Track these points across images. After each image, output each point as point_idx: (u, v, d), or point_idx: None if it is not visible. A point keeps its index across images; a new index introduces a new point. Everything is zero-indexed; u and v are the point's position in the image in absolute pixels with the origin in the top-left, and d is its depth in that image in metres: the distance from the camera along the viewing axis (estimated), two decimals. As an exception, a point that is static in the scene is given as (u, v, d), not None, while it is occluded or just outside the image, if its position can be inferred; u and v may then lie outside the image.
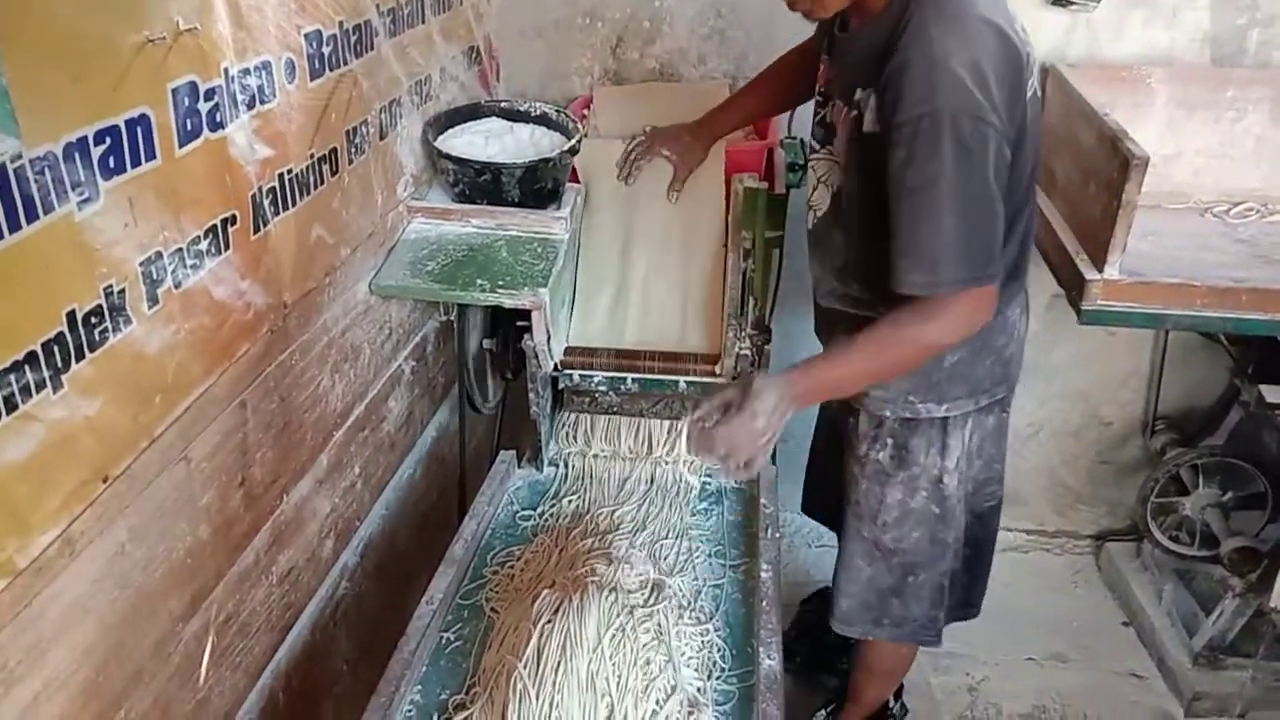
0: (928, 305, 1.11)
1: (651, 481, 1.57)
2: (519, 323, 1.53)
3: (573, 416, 1.69)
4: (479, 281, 1.44)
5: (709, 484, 1.58)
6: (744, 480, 1.21)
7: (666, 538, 1.45)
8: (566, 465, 1.61)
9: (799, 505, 1.75)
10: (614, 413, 1.66)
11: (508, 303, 1.44)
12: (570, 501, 1.54)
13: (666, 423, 1.66)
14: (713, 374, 1.57)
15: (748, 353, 1.55)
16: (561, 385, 1.62)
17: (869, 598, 1.46)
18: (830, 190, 1.29)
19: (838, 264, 1.30)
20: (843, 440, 1.45)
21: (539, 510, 1.53)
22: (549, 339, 1.51)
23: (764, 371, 1.36)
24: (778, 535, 1.45)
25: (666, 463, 1.59)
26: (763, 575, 1.35)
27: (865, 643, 1.54)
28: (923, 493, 1.38)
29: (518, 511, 1.53)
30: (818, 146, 1.32)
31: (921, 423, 1.35)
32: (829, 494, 1.60)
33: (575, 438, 1.65)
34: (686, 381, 1.57)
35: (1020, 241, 1.26)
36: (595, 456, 1.61)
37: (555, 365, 1.58)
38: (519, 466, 1.62)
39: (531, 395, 1.57)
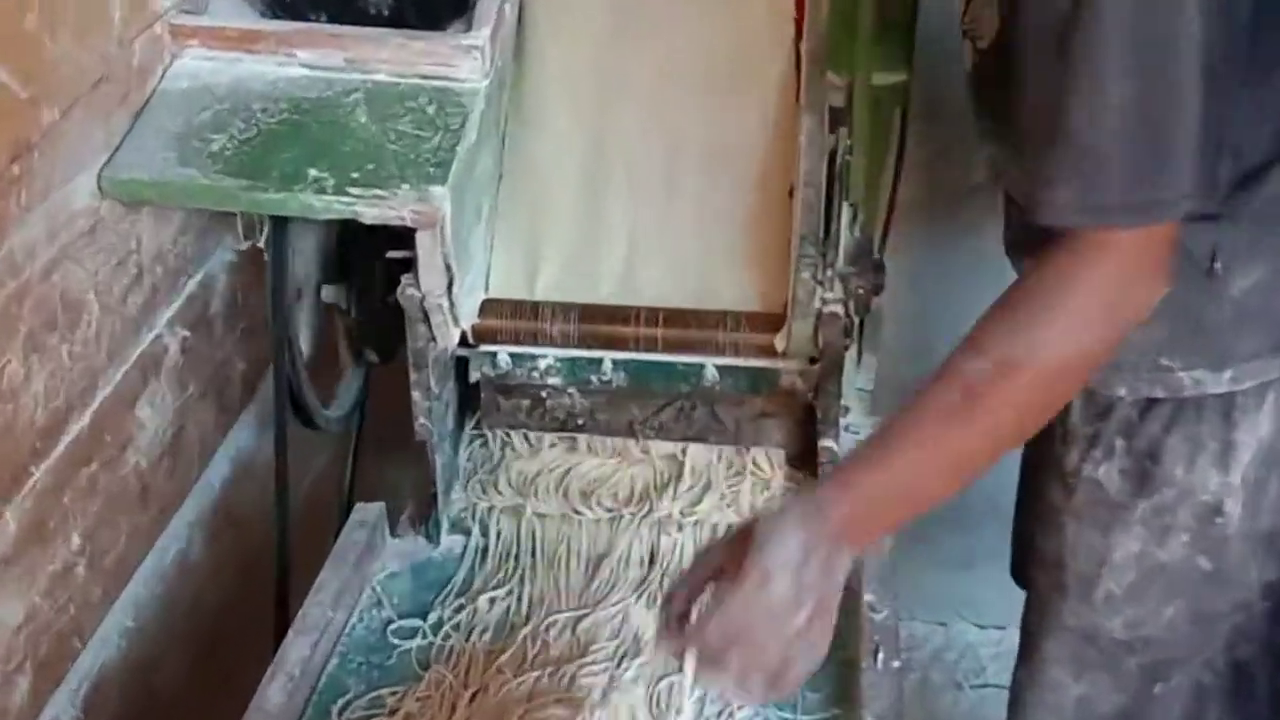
0: (1052, 273, 1.15)
1: (651, 561, 1.58)
2: (391, 254, 1.54)
3: (498, 438, 1.68)
4: (313, 173, 1.44)
5: None
6: (785, 699, 1.26)
7: (681, 670, 1.41)
8: (485, 531, 1.62)
9: (923, 609, 1.84)
10: (578, 429, 1.66)
11: (369, 214, 1.44)
12: (494, 601, 1.55)
13: (681, 450, 1.65)
14: (771, 350, 1.57)
15: (838, 310, 1.53)
16: (476, 375, 1.63)
17: None
18: (994, 5, 1.30)
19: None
20: (1034, 446, 1.46)
21: (433, 619, 1.53)
22: (450, 285, 1.50)
23: (791, 492, 1.37)
24: (897, 664, 1.45)
25: (681, 523, 1.60)
26: (868, 740, 1.39)
27: None
28: (1183, 536, 1.40)
29: (391, 622, 1.54)
30: None
31: (1184, 406, 1.36)
32: None
33: (502, 478, 1.65)
34: (717, 365, 1.57)
35: None
36: (542, 515, 1.62)
37: (464, 336, 1.58)
38: (393, 534, 1.63)
39: (416, 395, 1.57)
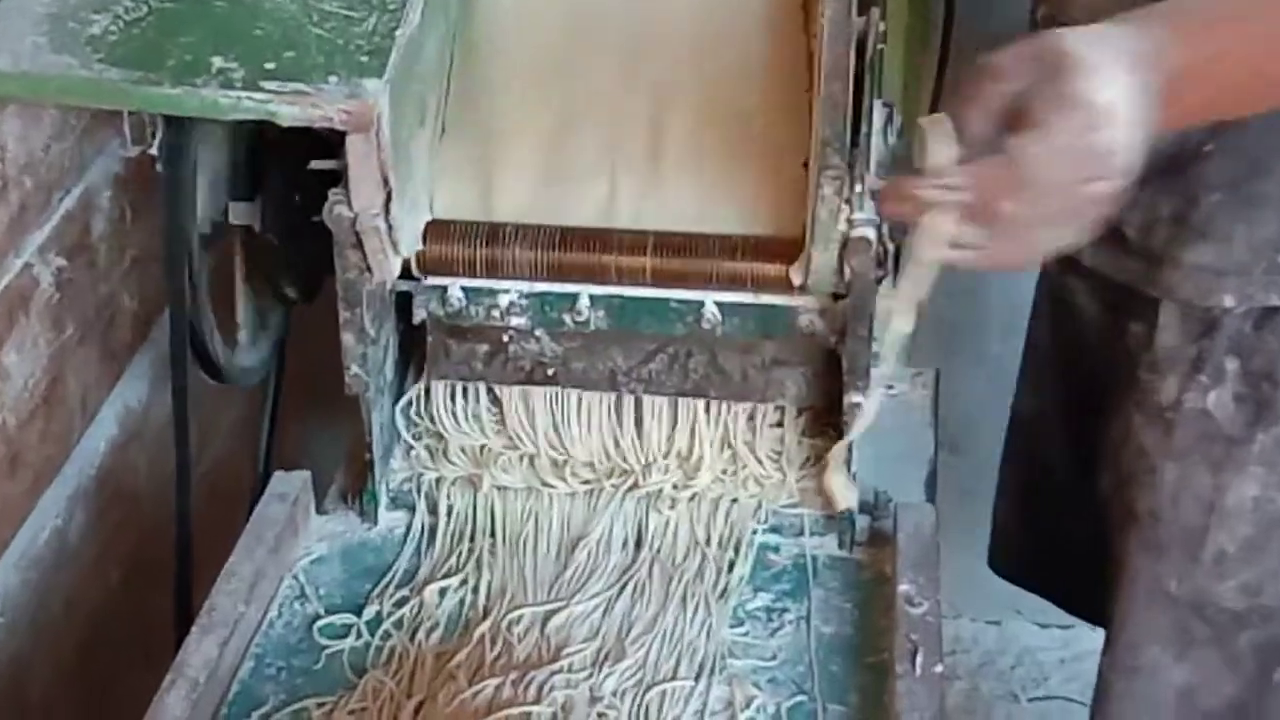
0: None
1: (638, 543, 1.60)
2: (315, 164, 1.54)
3: (449, 391, 1.69)
4: (218, 63, 1.43)
5: (775, 542, 1.61)
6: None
7: (675, 677, 1.46)
8: (434, 507, 1.64)
9: (972, 603, 1.87)
10: (548, 380, 1.66)
11: (287, 114, 1.42)
12: (444, 593, 1.56)
13: (676, 406, 1.65)
14: (785, 284, 1.56)
15: (868, 234, 1.51)
16: (421, 314, 1.62)
17: None
18: None
19: None
20: (1107, 382, 1.49)
21: (369, 614, 1.55)
22: (389, 203, 1.48)
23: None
24: (939, 669, 1.45)
25: (674, 499, 1.61)
26: (903, 764, 1.38)
27: None
28: None
29: (318, 617, 1.54)
30: None
31: None
32: (1065, 525, 1.65)
33: (453, 445, 1.66)
34: (719, 303, 1.58)
35: None
36: (503, 488, 1.64)
37: (406, 265, 1.57)
38: (319, 510, 1.65)
39: (347, 339, 1.57)
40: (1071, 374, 1.64)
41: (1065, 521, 1.66)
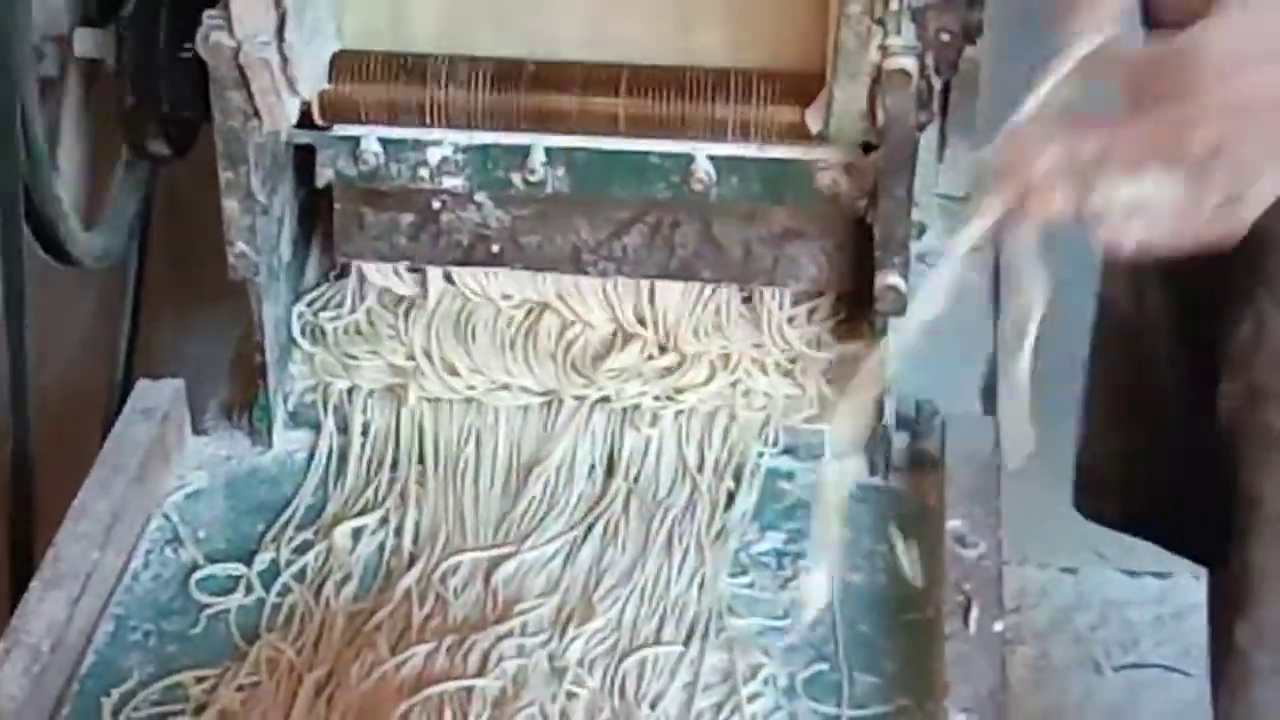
0: None
1: (610, 470, 1.64)
2: None
3: (366, 275, 1.70)
4: None
5: (788, 468, 1.63)
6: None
7: (659, 641, 1.49)
8: (345, 425, 1.67)
9: (1043, 546, 1.90)
10: (491, 260, 1.67)
11: None
12: (359, 534, 1.59)
13: (655, 295, 1.66)
14: (800, 131, 1.56)
15: (908, 66, 1.50)
16: (327, 175, 1.63)
17: None
18: None
19: None
20: (1226, 278, 1.52)
21: (262, 563, 1.57)
22: (283, 28, 1.48)
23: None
24: (1000, 628, 1.46)
25: (656, 413, 1.64)
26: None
27: None
28: None
29: (196, 567, 1.57)
30: None
31: None
32: (1181, 450, 1.64)
33: (368, 342, 1.69)
34: (714, 157, 1.58)
35: None
36: (435, 400, 1.66)
37: (306, 111, 1.57)
38: (197, 430, 1.69)
39: (230, 207, 1.57)
40: (1178, 271, 1.64)
41: (1180, 445, 1.66)
